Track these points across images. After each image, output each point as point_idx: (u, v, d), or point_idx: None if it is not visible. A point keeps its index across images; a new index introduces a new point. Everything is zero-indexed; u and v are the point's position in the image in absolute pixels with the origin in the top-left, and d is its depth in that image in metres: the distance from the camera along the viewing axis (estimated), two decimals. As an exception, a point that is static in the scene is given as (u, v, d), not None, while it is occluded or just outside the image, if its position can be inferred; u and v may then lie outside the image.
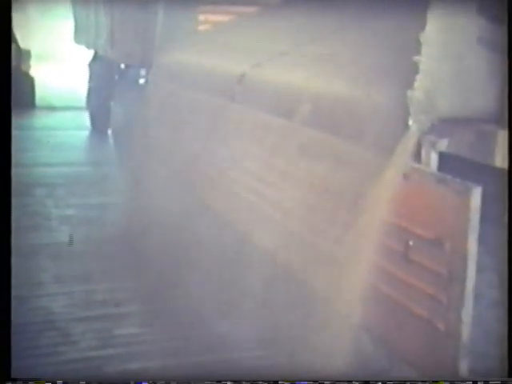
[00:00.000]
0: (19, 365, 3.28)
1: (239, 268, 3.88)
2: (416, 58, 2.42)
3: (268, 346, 3.45)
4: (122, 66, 8.66)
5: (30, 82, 11.91)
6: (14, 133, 9.61)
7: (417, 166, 2.44)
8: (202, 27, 6.38)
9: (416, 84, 2.42)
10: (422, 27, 2.43)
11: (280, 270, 3.25)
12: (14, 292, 4.08)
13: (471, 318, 2.24)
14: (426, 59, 2.40)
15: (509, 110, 2.28)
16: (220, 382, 2.74)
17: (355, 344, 2.70)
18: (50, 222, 5.63)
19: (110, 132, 9.32)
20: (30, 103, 11.56)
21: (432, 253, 2.34)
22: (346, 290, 2.64)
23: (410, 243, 2.41)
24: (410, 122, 2.44)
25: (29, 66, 12.80)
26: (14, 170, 7.61)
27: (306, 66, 3.66)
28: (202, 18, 6.48)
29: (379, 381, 2.45)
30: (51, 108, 11.93)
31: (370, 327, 2.66)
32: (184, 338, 3.57)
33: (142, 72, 7.55)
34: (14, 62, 9.65)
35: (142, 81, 7.61)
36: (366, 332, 2.70)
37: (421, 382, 2.40)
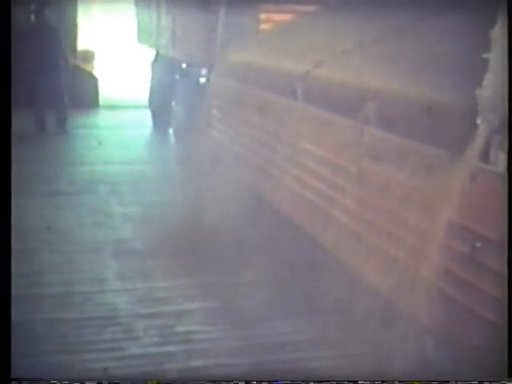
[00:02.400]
0: (84, 358, 3.36)
1: (301, 268, 3.87)
2: (485, 55, 2.36)
3: (330, 346, 3.42)
4: (184, 65, 8.74)
5: (94, 81, 12.13)
6: (79, 131, 9.86)
7: (485, 166, 2.39)
8: (263, 26, 6.39)
9: (485, 82, 2.37)
10: (491, 24, 2.37)
11: (342, 270, 3.23)
12: (79, 287, 4.18)
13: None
14: (495, 56, 2.34)
15: (509, 110, 2.23)
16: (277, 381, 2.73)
17: (419, 346, 2.66)
18: (113, 219, 5.71)
19: (171, 131, 9.42)
20: (93, 102, 11.78)
21: (499, 255, 2.29)
22: (411, 292, 2.60)
23: (477, 245, 2.36)
24: (479, 121, 2.39)
25: (92, 67, 13.04)
26: (78, 168, 7.81)
27: (369, 64, 3.62)
28: (263, 17, 6.50)
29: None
30: (114, 107, 12.13)
31: (434, 329, 2.61)
32: (245, 337, 3.57)
33: (203, 71, 7.60)
34: (78, 63, 9.85)
35: (202, 80, 7.67)
36: (430, 334, 2.66)
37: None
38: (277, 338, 3.57)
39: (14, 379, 2.38)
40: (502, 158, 2.38)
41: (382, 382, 2.43)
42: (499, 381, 2.24)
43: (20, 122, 8.93)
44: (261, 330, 3.66)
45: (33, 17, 9.83)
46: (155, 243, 5.03)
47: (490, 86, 2.36)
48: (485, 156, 2.40)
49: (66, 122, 9.48)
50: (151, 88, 10.26)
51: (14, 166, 2.79)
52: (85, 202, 6.18)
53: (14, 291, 3.92)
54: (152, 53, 10.35)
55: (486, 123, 2.38)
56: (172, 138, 9.35)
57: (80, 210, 5.89)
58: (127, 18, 12.54)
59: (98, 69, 12.78)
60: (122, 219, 5.69)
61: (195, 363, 3.33)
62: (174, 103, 9.14)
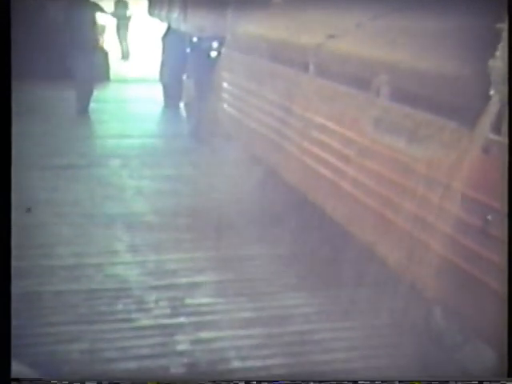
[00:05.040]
0: (96, 329, 3.39)
1: (312, 240, 3.88)
2: (499, 25, 2.33)
3: (338, 319, 3.44)
4: (195, 39, 8.69)
5: (105, 55, 12.11)
6: (90, 105, 9.77)
7: (497, 138, 2.37)
8: (275, -1, 6.33)
9: (498, 53, 2.34)
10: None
11: (353, 243, 3.23)
12: (92, 260, 4.21)
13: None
14: (509, 27, 2.31)
15: (509, 108, 2.21)
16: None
17: (429, 319, 2.67)
18: (125, 192, 5.73)
19: (182, 104, 9.41)
20: (104, 76, 11.76)
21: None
22: (422, 265, 2.60)
23: (489, 218, 2.35)
24: (491, 93, 2.37)
25: (103, 41, 12.99)
26: (89, 142, 7.82)
27: (382, 37, 3.59)
28: (275, -11, 6.43)
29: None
30: (125, 81, 12.11)
31: (445, 302, 2.61)
32: (255, 309, 3.60)
33: (214, 44, 7.57)
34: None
35: (213, 53, 7.64)
36: (440, 307, 2.66)
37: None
38: (287, 311, 3.59)
39: (14, 379, 2.39)
40: (514, 129, 2.36)
41: (382, 382, 2.44)
42: (499, 381, 2.24)
43: (37, 96, 8.96)
44: (271, 302, 3.68)
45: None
46: (166, 216, 5.05)
47: (504, 56, 2.33)
48: (497, 128, 2.38)
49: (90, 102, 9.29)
50: (162, 62, 10.22)
51: (26, 140, 2.79)
52: (96, 175, 6.20)
53: (26, 263, 3.97)
54: (163, 26, 10.31)
55: (499, 95, 2.35)
56: (183, 112, 9.34)
57: (91, 184, 5.92)
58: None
59: (109, 43, 12.76)
60: (133, 192, 5.71)
61: (205, 335, 3.35)
62: (184, 77, 9.12)
